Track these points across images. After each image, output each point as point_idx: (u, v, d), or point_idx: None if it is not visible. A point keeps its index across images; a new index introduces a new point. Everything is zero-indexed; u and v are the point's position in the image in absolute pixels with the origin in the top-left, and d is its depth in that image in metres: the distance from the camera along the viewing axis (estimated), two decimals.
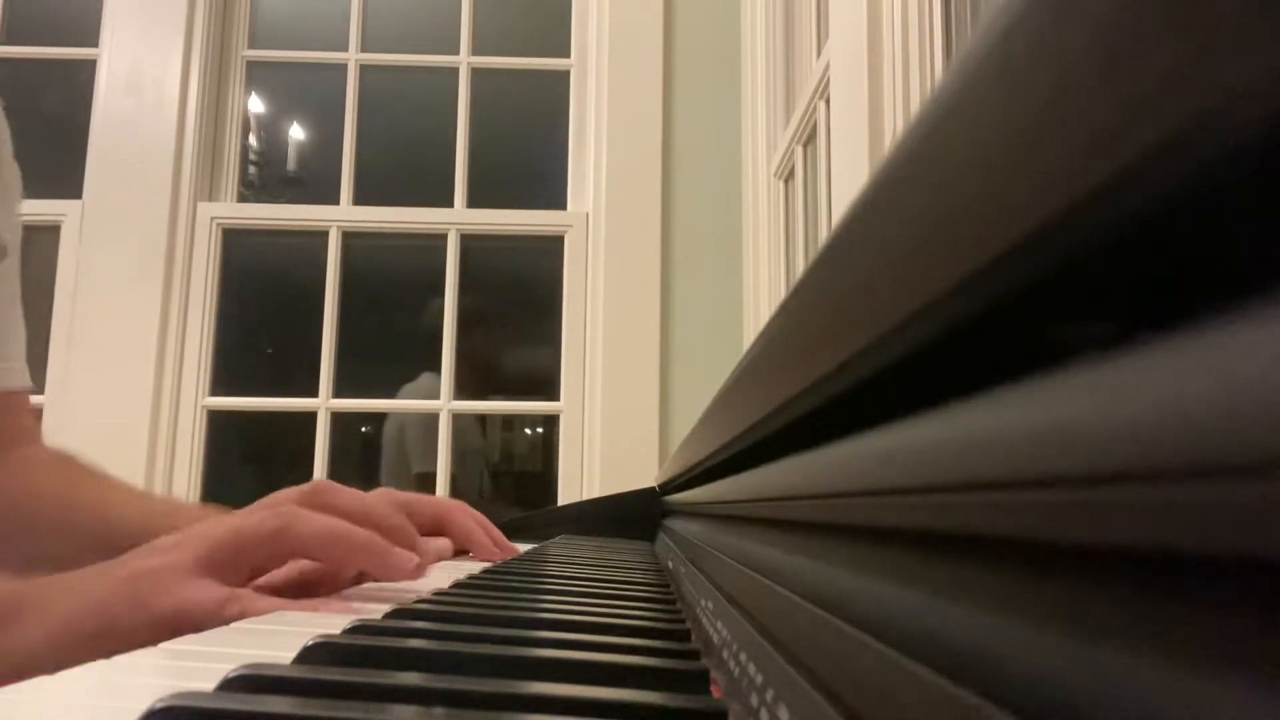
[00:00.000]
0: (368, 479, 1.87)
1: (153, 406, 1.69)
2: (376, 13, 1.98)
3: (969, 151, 0.10)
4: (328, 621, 0.35)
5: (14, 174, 0.72)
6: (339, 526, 0.45)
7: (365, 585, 0.51)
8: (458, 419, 1.84)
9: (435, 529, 0.70)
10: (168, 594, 0.40)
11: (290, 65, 2.02)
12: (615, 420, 1.70)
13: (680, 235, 1.76)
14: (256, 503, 0.48)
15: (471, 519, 0.72)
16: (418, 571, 0.46)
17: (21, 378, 0.72)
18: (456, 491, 1.79)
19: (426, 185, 1.91)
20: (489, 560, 0.70)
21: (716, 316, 1.73)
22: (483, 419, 1.99)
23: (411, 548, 0.47)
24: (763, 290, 1.64)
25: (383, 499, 0.60)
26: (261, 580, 0.46)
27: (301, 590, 0.48)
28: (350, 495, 0.49)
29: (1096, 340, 0.09)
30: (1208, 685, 0.07)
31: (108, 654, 0.39)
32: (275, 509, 0.45)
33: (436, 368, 1.83)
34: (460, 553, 0.71)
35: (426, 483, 1.79)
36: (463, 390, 1.84)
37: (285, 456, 1.96)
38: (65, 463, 0.71)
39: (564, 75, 1.92)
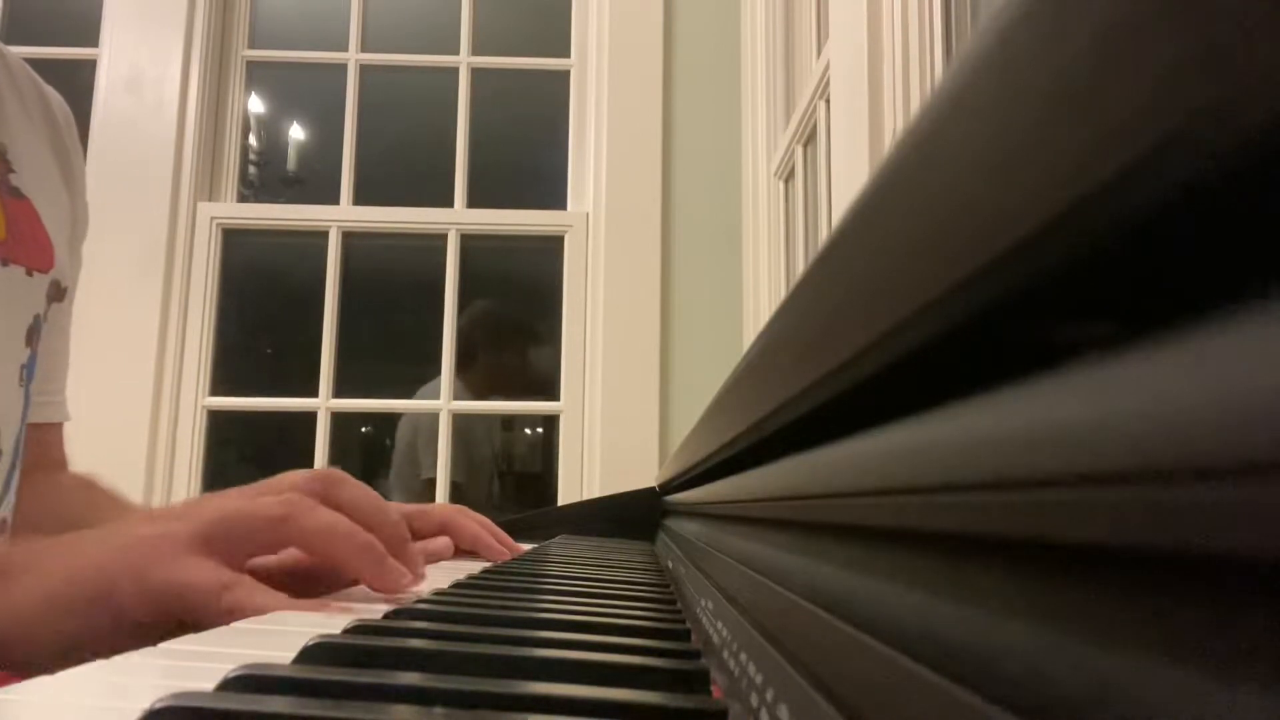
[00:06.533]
0: (368, 479, 1.87)
1: (153, 406, 1.69)
2: (376, 13, 1.97)
3: (969, 151, 0.10)
4: (328, 621, 0.35)
5: (85, 214, 0.75)
6: (341, 526, 0.44)
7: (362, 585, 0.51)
8: (467, 423, 1.83)
9: (439, 535, 0.70)
10: (165, 567, 0.40)
11: (290, 65, 2.02)
12: (615, 420, 1.70)
13: (680, 235, 1.76)
14: (263, 482, 0.47)
15: (474, 522, 0.72)
16: (404, 588, 0.45)
17: (61, 412, 0.75)
18: (460, 495, 1.79)
19: (426, 185, 1.91)
20: (497, 560, 0.70)
21: (716, 316, 1.72)
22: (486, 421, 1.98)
23: (408, 561, 0.46)
24: (763, 290, 1.64)
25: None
26: (258, 562, 0.45)
27: (304, 582, 0.47)
28: (360, 491, 0.48)
29: (1096, 340, 0.09)
30: (1207, 685, 0.07)
31: (104, 617, 0.39)
32: (283, 496, 0.44)
33: (461, 369, 1.82)
34: (460, 553, 0.71)
35: (435, 490, 1.79)
36: (480, 396, 1.83)
37: (285, 456, 1.96)
38: (88, 486, 0.74)
39: (564, 75, 1.92)
